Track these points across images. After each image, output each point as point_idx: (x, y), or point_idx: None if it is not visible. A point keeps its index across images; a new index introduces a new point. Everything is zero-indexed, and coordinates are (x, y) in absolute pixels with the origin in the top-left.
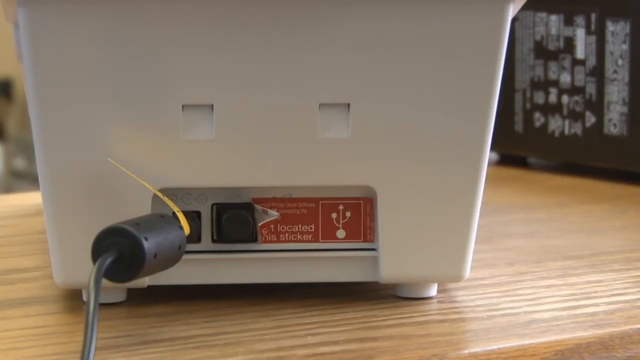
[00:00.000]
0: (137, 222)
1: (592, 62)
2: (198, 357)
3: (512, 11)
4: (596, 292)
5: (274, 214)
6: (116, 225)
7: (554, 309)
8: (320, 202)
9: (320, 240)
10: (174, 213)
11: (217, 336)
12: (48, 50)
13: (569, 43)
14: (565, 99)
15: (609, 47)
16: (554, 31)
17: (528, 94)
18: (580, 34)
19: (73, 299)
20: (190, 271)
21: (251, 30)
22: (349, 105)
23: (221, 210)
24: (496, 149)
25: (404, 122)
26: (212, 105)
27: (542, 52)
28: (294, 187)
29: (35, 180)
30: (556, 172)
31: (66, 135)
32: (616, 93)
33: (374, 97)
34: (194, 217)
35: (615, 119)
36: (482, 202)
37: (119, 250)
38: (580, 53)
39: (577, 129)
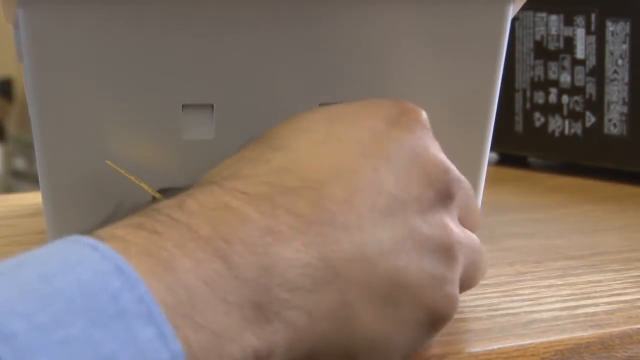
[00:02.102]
0: None
1: (592, 62)
2: None
3: (512, 11)
4: (596, 292)
5: None
6: None
7: (553, 309)
8: None
9: None
10: None
11: None
12: (48, 50)
13: (569, 43)
14: (565, 99)
15: (609, 47)
16: (554, 31)
17: (528, 94)
18: (580, 34)
19: None
20: None
21: (251, 30)
22: None
23: None
24: (496, 149)
25: None
26: (212, 105)
27: (542, 52)
28: None
29: (35, 180)
30: (556, 172)
31: (66, 135)
32: (616, 93)
33: (374, 97)
34: None
35: (615, 119)
36: (482, 202)
37: None
38: (580, 53)
39: (577, 129)
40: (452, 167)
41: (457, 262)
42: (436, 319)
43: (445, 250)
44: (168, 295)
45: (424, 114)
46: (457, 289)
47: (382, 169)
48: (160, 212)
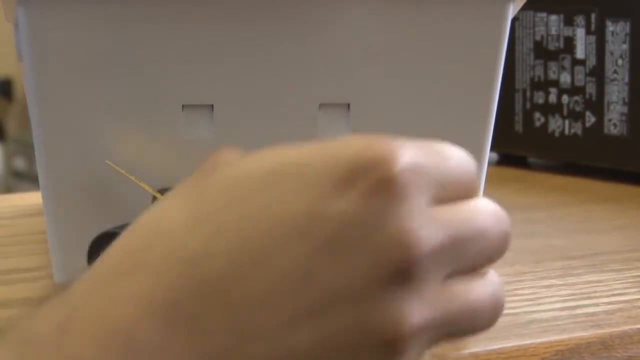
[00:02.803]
0: None
1: (592, 62)
2: None
3: (512, 11)
4: (596, 292)
5: None
6: (111, 229)
7: (553, 309)
8: None
9: None
10: None
11: None
12: (48, 50)
13: (569, 43)
14: (565, 99)
15: (609, 47)
16: (554, 31)
17: (528, 94)
18: (580, 34)
19: None
20: None
21: (251, 31)
22: (348, 105)
23: None
24: (496, 149)
25: (403, 122)
26: (212, 105)
27: (542, 52)
28: None
29: (35, 180)
30: (556, 172)
31: (66, 135)
32: (616, 93)
33: (373, 97)
34: None
35: (615, 119)
36: None
37: None
38: (580, 53)
39: (577, 129)
40: (424, 241)
41: (403, 356)
42: None
43: (388, 346)
44: None
45: (400, 164)
46: None
47: (317, 255)
48: None
